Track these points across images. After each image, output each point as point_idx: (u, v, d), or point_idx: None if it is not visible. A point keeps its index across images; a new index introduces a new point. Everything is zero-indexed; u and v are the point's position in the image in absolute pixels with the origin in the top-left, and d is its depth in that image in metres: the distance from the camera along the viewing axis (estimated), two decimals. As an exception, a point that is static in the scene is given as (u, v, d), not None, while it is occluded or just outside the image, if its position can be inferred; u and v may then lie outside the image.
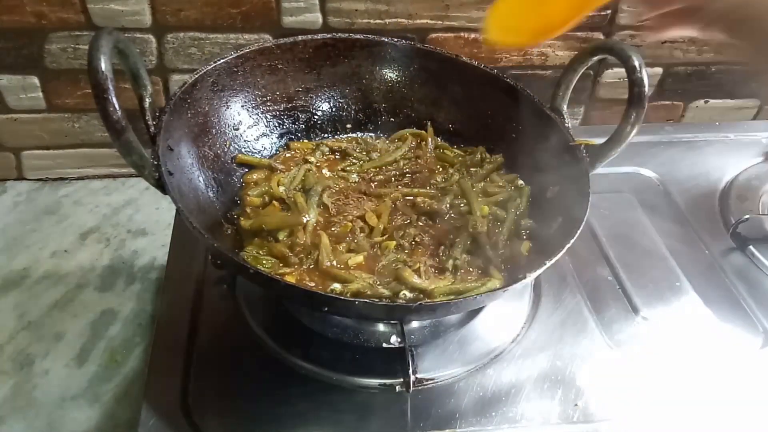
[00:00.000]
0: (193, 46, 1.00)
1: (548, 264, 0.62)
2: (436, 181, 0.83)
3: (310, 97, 0.88)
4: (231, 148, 0.80)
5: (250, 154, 0.82)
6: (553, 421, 0.67)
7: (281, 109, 0.86)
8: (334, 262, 0.70)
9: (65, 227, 1.03)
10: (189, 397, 0.67)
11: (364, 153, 0.86)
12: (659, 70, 1.15)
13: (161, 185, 0.62)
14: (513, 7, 0.64)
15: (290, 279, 0.68)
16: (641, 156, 1.05)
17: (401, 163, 0.85)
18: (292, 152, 0.85)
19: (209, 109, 0.77)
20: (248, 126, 0.83)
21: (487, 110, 0.87)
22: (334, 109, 0.89)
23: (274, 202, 0.77)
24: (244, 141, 0.82)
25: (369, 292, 0.67)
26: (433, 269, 0.72)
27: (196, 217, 0.65)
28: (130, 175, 1.13)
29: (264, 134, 0.85)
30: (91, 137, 1.08)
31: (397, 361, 0.69)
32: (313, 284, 0.68)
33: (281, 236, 0.72)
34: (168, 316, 0.75)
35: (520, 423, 0.67)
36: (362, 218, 0.76)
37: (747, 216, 0.89)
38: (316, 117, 0.89)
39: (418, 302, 0.63)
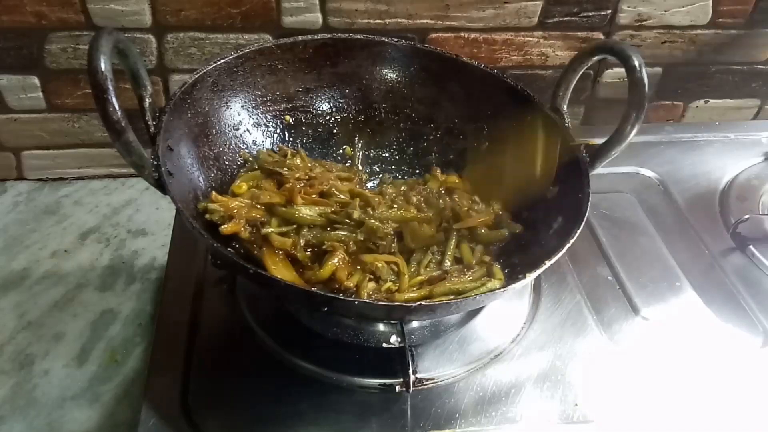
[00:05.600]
0: (193, 46, 1.00)
1: (548, 264, 0.62)
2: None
3: (310, 97, 0.88)
4: (231, 148, 0.80)
5: (250, 154, 0.82)
6: (553, 421, 0.67)
7: (281, 109, 0.86)
8: None
9: (65, 227, 1.03)
10: (189, 397, 0.67)
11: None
12: (659, 70, 1.15)
13: (161, 185, 0.62)
14: None
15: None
16: (641, 156, 1.05)
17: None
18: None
19: (209, 109, 0.77)
20: (248, 126, 0.83)
21: (487, 110, 0.86)
22: (334, 110, 0.89)
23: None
24: (244, 141, 0.82)
25: None
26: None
27: (196, 217, 0.65)
28: (130, 175, 1.13)
29: (264, 134, 0.85)
30: (91, 137, 1.08)
31: (397, 361, 0.69)
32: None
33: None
34: (168, 316, 0.75)
35: (520, 423, 0.67)
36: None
37: (747, 216, 0.89)
38: (316, 117, 0.88)
39: (418, 302, 0.63)
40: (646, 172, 1.03)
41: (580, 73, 0.78)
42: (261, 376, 0.69)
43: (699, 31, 1.10)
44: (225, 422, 0.65)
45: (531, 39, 1.06)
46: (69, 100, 1.04)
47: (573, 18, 1.04)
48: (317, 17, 0.99)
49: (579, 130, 1.07)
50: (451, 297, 0.67)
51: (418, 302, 0.61)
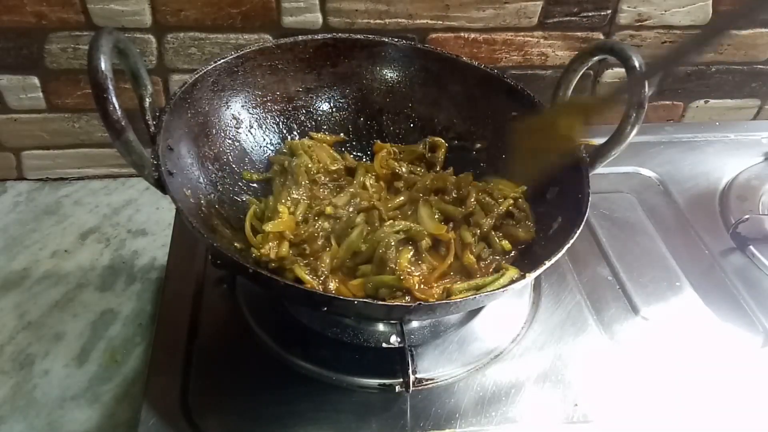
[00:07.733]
0: (193, 46, 1.00)
1: (548, 264, 0.62)
2: None
3: (311, 97, 0.88)
4: (231, 148, 0.80)
5: (249, 152, 0.82)
6: (553, 421, 0.67)
7: (281, 109, 0.86)
8: None
9: (65, 227, 1.03)
10: (189, 397, 0.67)
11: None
12: (659, 70, 1.15)
13: (161, 185, 0.62)
14: None
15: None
16: (641, 156, 1.05)
17: None
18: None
19: (209, 109, 0.77)
20: (248, 126, 0.83)
21: (487, 110, 0.87)
22: (334, 109, 0.89)
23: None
24: (245, 141, 0.82)
25: None
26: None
27: (196, 217, 0.65)
28: (130, 175, 1.13)
29: (264, 134, 0.85)
30: (91, 137, 1.08)
31: (396, 361, 0.69)
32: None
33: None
34: (168, 316, 0.75)
35: (520, 423, 0.67)
36: None
37: (747, 216, 0.89)
38: (316, 117, 0.88)
39: (417, 302, 0.63)
40: (646, 172, 1.03)
41: (580, 73, 0.78)
42: (261, 376, 0.69)
43: (699, 31, 1.10)
44: (225, 422, 0.65)
45: (531, 39, 1.06)
46: (69, 100, 1.04)
47: (573, 18, 1.04)
48: (317, 17, 0.99)
49: (579, 130, 1.07)
50: (471, 293, 0.67)
51: (417, 302, 0.61)
